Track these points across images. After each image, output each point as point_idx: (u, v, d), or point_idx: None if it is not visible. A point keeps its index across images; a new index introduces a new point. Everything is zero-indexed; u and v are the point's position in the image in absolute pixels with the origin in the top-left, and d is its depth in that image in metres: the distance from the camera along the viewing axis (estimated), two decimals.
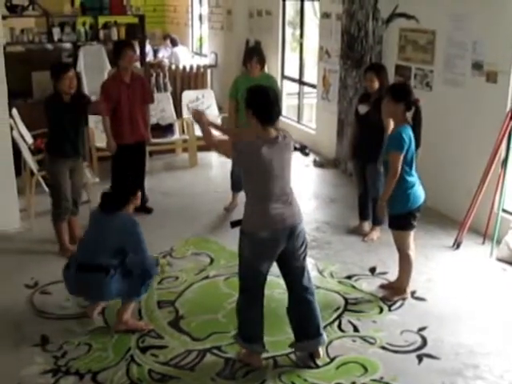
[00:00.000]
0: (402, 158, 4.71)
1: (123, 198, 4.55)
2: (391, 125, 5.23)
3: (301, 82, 10.38)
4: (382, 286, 5.23)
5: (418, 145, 4.84)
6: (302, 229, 3.99)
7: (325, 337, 4.23)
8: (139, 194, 4.70)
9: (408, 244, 4.97)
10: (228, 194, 7.01)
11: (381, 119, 5.68)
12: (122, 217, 4.50)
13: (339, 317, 4.78)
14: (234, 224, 4.08)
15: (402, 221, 4.89)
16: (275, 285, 4.86)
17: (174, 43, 14.62)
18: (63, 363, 4.15)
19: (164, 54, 14.40)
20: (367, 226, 6.40)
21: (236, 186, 6.88)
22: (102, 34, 9.61)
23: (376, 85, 5.97)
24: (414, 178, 4.85)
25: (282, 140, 3.86)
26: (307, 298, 4.12)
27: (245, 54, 7.67)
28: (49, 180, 5.88)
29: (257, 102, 3.83)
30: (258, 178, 3.83)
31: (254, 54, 6.92)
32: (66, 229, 5.81)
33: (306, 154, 9.27)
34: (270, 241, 3.86)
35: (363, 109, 6.09)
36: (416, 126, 4.82)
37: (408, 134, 4.74)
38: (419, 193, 4.88)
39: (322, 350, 4.23)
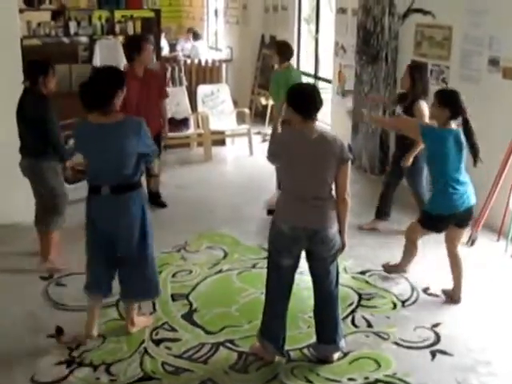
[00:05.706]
0: (418, 131, 4.72)
1: (109, 92, 3.91)
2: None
3: (316, 77, 10.36)
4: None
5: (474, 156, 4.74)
6: (329, 235, 3.86)
7: (341, 345, 4.12)
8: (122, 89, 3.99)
9: (413, 235, 4.98)
10: (242, 187, 6.96)
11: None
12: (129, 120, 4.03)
13: (353, 312, 4.78)
14: (269, 212, 4.13)
15: (424, 216, 4.93)
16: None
17: (196, 37, 14.66)
18: (77, 355, 4.19)
19: (184, 46, 14.41)
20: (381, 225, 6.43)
21: None
22: (118, 27, 9.64)
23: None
24: (456, 185, 4.69)
25: (319, 141, 3.80)
26: (327, 301, 4.08)
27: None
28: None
29: (295, 97, 3.85)
30: (284, 168, 3.84)
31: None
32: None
33: None
34: (289, 236, 3.84)
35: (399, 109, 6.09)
36: (468, 139, 4.66)
37: (443, 135, 4.62)
38: (451, 202, 4.68)
39: (335, 356, 4.16)
